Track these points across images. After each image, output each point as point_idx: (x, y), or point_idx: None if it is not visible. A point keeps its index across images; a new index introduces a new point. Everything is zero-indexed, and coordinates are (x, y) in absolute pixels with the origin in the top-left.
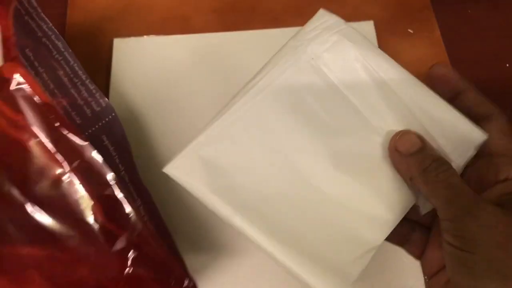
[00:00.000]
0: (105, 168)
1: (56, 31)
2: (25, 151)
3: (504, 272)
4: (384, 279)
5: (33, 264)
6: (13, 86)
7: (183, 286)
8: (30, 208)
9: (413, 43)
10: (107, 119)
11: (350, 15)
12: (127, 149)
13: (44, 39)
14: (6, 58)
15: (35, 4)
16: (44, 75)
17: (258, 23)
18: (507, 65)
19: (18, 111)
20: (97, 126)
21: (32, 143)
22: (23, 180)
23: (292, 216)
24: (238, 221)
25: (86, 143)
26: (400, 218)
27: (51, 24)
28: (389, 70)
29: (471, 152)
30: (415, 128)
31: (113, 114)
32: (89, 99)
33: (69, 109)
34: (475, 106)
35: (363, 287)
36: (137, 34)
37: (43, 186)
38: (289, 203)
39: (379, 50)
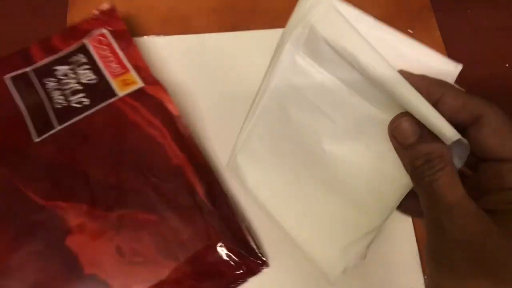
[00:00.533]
0: (208, 164)
1: None
2: (157, 144)
3: None
4: (384, 279)
5: (145, 226)
6: (154, 100)
7: (259, 259)
8: (152, 184)
9: None
10: None
11: None
12: None
13: None
14: (146, 81)
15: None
16: None
17: (258, 23)
18: (507, 65)
19: (156, 116)
20: None
21: (162, 140)
22: (152, 164)
23: (305, 204)
24: (267, 208)
25: (196, 145)
26: (402, 196)
27: None
28: (361, 56)
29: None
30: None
31: None
32: None
33: None
34: (456, 112)
35: (363, 287)
36: (137, 34)
37: (165, 170)
38: (303, 192)
39: (354, 32)
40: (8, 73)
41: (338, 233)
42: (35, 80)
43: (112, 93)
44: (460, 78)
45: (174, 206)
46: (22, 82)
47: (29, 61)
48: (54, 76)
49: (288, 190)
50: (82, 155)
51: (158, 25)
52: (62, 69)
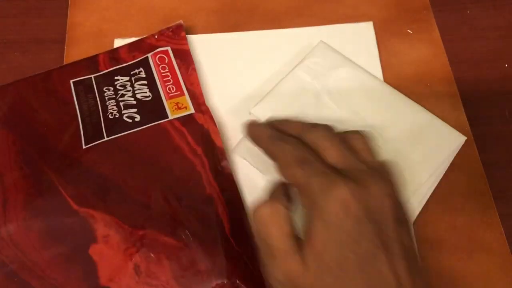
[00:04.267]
0: (241, 202)
1: None
2: (195, 172)
3: None
4: None
5: (166, 250)
6: (201, 128)
7: None
8: (181, 210)
9: (413, 44)
10: None
11: (349, 16)
12: None
13: None
14: (197, 109)
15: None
16: None
17: (258, 24)
18: (507, 65)
19: (199, 144)
20: None
21: (201, 168)
22: (186, 191)
23: None
24: None
25: (234, 181)
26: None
27: None
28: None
29: (451, 155)
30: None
31: None
32: None
33: None
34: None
35: None
36: (137, 34)
37: (197, 199)
38: None
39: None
40: (75, 78)
41: None
42: (95, 87)
43: (164, 114)
44: (460, 78)
45: (199, 236)
46: (82, 87)
47: (95, 68)
48: (113, 86)
49: None
50: (121, 170)
51: (158, 25)
52: (121, 79)
